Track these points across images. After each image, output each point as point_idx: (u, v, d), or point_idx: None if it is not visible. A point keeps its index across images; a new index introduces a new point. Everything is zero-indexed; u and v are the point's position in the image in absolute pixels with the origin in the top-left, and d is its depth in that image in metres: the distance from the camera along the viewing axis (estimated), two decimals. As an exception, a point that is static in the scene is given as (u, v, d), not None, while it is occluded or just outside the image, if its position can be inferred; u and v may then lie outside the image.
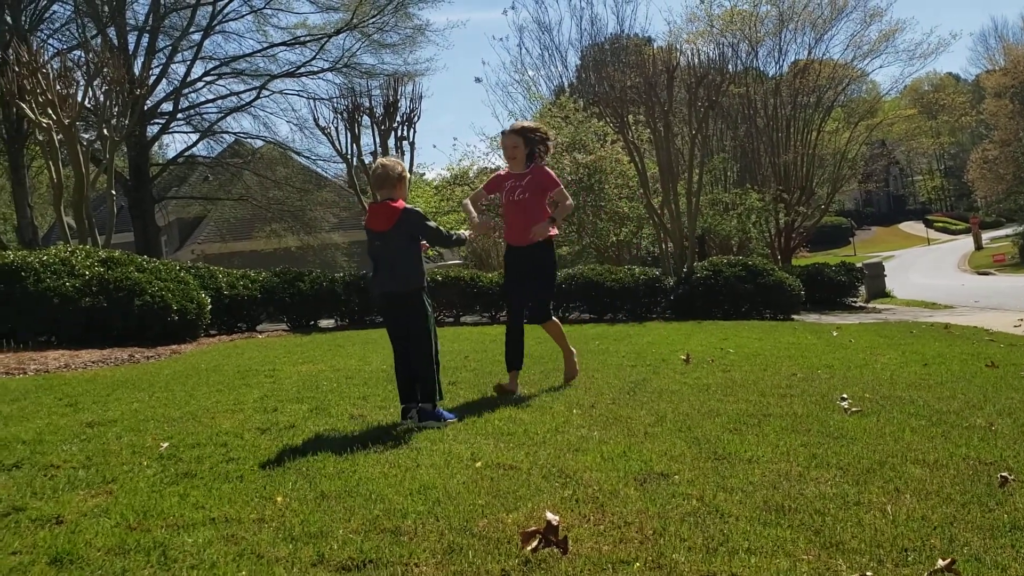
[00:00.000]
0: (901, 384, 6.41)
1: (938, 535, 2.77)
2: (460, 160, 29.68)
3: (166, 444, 4.39)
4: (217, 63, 28.27)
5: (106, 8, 24.82)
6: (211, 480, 3.67)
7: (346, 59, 28.56)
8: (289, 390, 6.44)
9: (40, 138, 15.11)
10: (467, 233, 5.55)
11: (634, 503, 3.18)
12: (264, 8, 28.04)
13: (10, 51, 16.10)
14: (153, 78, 25.13)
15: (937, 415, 4.92)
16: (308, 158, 29.34)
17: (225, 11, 27.46)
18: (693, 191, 19.27)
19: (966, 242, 56.80)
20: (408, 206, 5.00)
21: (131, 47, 25.41)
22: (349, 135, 18.47)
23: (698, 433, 4.41)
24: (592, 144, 25.67)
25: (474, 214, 5.95)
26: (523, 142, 6.01)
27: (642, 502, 3.19)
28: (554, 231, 6.05)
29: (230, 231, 32.75)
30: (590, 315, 16.89)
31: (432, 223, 5.12)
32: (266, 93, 28.22)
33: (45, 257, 11.31)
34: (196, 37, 27.31)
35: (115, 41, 24.30)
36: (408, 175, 5.20)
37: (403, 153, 18.83)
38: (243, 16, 28.25)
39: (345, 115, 18.45)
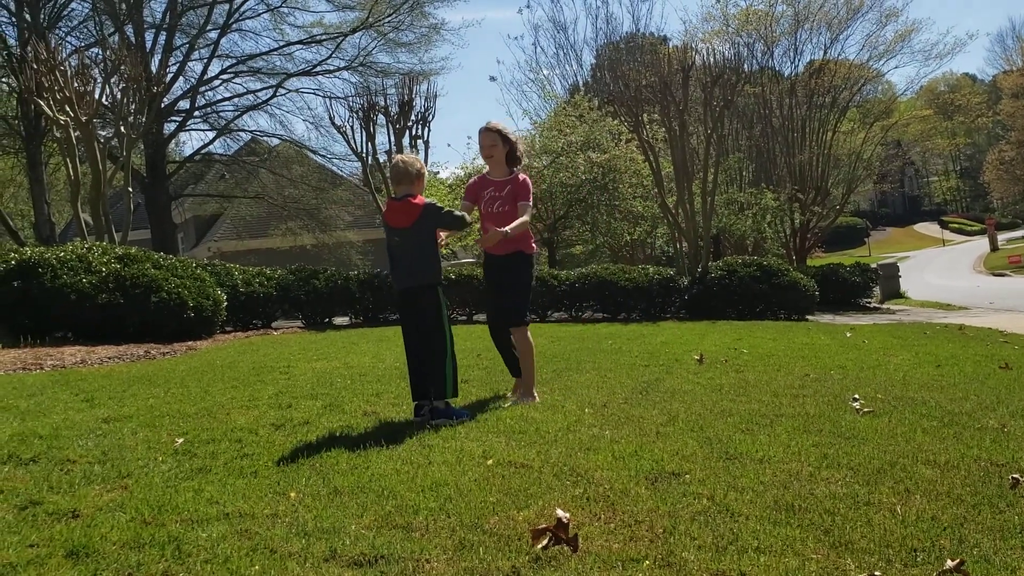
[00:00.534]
0: (914, 385, 6.40)
1: (948, 536, 2.78)
2: (474, 159, 29.64)
3: (181, 440, 4.43)
4: (234, 61, 28.41)
5: (123, 6, 24.96)
6: (225, 475, 3.70)
7: (362, 58, 28.64)
8: (303, 387, 6.48)
9: (58, 135, 15.22)
10: (468, 216, 5.52)
11: (645, 502, 3.20)
12: (280, 6, 28.14)
13: (28, 48, 16.23)
14: (170, 76, 25.26)
15: (949, 416, 4.91)
16: (324, 156, 29.48)
17: (242, 9, 27.59)
18: (708, 191, 19.24)
19: (981, 243, 56.41)
20: (427, 201, 5.05)
21: (148, 45, 25.58)
22: (364, 134, 18.54)
23: (710, 433, 4.42)
24: (607, 143, 25.64)
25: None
26: (501, 141, 5.69)
27: (653, 501, 3.21)
28: (534, 248, 5.84)
29: (246, 229, 32.89)
30: (603, 314, 16.89)
31: (447, 210, 5.21)
32: (282, 91, 28.35)
33: (62, 254, 11.40)
34: (213, 35, 27.46)
35: (132, 39, 24.44)
36: (426, 172, 5.24)
37: (418, 152, 18.89)
38: (260, 14, 28.38)
39: (360, 114, 18.52)
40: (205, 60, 27.48)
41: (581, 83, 41.84)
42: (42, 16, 24.26)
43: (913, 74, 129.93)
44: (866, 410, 5.04)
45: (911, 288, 25.97)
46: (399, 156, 5.34)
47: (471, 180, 6.09)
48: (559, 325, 14.95)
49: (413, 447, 4.16)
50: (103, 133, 18.12)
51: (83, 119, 14.31)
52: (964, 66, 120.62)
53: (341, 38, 28.40)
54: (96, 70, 15.77)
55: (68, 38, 25.37)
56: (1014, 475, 3.39)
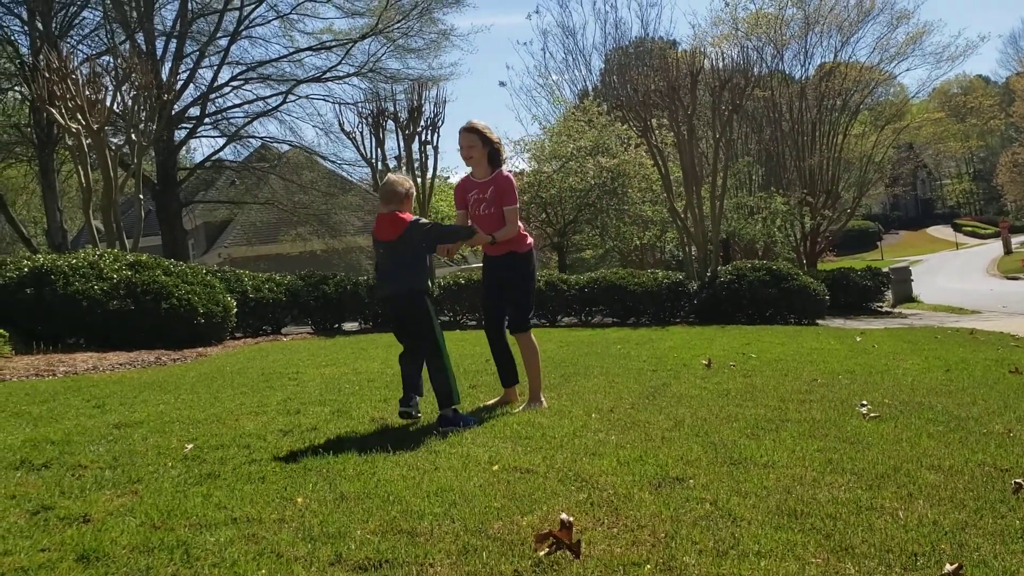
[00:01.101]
0: (922, 390, 6.40)
1: (948, 540, 2.79)
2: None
3: (191, 445, 4.48)
4: (244, 68, 28.55)
5: (135, 14, 25.12)
6: (234, 481, 3.74)
7: (371, 64, 28.74)
8: (312, 393, 6.53)
9: (69, 143, 15.35)
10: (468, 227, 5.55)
11: (648, 507, 3.22)
12: (290, 13, 28.31)
13: (41, 57, 16.36)
14: (180, 83, 25.41)
15: (956, 421, 4.91)
16: (333, 162, 29.58)
17: (252, 16, 27.74)
18: (717, 195, 19.24)
19: (995, 246, 56.09)
20: (414, 218, 5.12)
21: (159, 52, 25.71)
22: (374, 139, 18.68)
23: (715, 438, 4.44)
24: (616, 148, 25.68)
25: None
26: (480, 141, 5.56)
27: (656, 506, 3.23)
28: (529, 241, 5.74)
29: (256, 235, 33.03)
30: (613, 319, 16.90)
31: (433, 224, 5.29)
32: (292, 98, 28.47)
33: (74, 260, 11.49)
34: (223, 42, 27.60)
35: (143, 46, 24.58)
36: (415, 192, 5.30)
37: (427, 157, 18.97)
38: (269, 22, 28.53)
39: (370, 120, 18.65)
40: (215, 67, 27.67)
41: (590, 88, 41.93)
42: (54, 25, 24.43)
43: (925, 77, 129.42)
44: (873, 415, 5.05)
45: (923, 292, 25.85)
46: (389, 176, 5.40)
47: (456, 185, 5.97)
48: (569, 330, 14.97)
49: (420, 453, 4.20)
50: (114, 140, 18.22)
51: (95, 127, 14.43)
52: (977, 68, 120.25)
53: (351, 44, 28.53)
54: (107, 78, 15.91)
55: (80, 46, 25.59)
56: (1017, 480, 3.40)
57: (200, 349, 11.37)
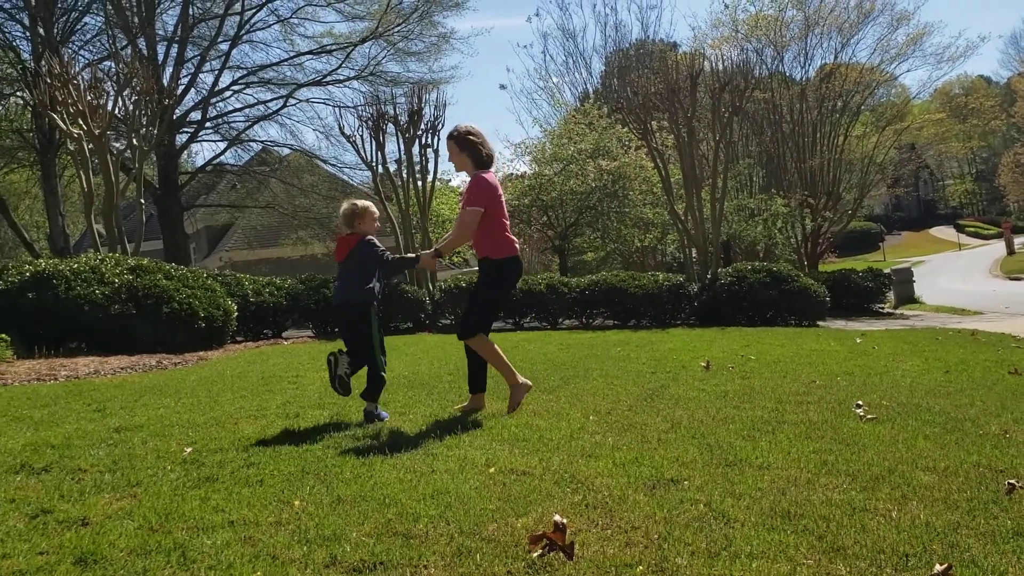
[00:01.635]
0: (920, 391, 6.41)
1: (940, 541, 2.81)
2: (485, 167, 29.76)
3: (190, 449, 4.50)
4: (244, 72, 28.60)
5: (136, 19, 25.18)
6: (232, 484, 3.77)
7: (371, 67, 28.78)
8: (311, 396, 6.55)
9: (71, 148, 15.39)
10: (411, 255, 5.71)
11: (642, 508, 3.24)
12: (290, 18, 28.36)
13: (42, 63, 16.42)
14: (182, 88, 25.46)
15: (953, 422, 4.93)
16: (334, 166, 29.61)
17: (252, 21, 27.80)
18: (717, 197, 19.26)
19: (998, 247, 56.03)
20: (366, 238, 5.48)
21: (160, 57, 25.78)
22: (374, 143, 18.68)
23: (711, 440, 4.46)
24: (616, 150, 25.70)
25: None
26: (456, 147, 5.55)
27: (650, 507, 3.25)
28: (508, 249, 5.53)
29: (257, 238, 33.08)
30: (614, 321, 16.93)
31: (380, 254, 5.53)
32: (293, 101, 28.50)
33: (76, 265, 11.53)
34: (224, 47, 27.66)
35: (145, 52, 24.65)
36: (372, 209, 5.60)
37: (427, 160, 18.99)
38: (270, 26, 28.59)
39: (370, 123, 18.65)
40: (216, 72, 27.72)
41: (591, 91, 41.96)
42: (56, 30, 24.51)
43: (926, 77, 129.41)
44: (869, 417, 5.06)
45: (926, 293, 25.85)
46: (345, 202, 5.66)
47: None
48: (569, 332, 14.99)
49: (417, 455, 4.22)
50: (116, 145, 18.30)
51: (96, 132, 14.47)
52: (979, 68, 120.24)
53: (351, 48, 28.57)
54: (109, 83, 15.96)
55: (81, 52, 25.68)
56: (1010, 481, 3.42)
57: (201, 353, 11.39)
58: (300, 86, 28.58)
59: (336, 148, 35.70)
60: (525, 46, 72.56)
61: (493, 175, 5.64)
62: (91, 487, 3.79)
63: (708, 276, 17.79)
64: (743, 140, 32.31)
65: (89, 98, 14.66)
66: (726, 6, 34.91)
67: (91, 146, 14.74)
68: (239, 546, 2.94)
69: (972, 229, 76.85)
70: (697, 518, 3.11)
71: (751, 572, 2.59)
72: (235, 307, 13.08)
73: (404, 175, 18.87)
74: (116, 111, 15.75)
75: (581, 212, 25.47)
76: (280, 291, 15.20)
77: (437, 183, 20.68)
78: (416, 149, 18.68)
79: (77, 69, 16.02)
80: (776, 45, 33.34)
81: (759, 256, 29.03)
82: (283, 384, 7.50)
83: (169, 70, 25.43)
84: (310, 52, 28.91)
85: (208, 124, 28.26)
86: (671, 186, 20.07)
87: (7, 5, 25.04)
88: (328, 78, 28.76)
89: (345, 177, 30.16)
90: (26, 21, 24.81)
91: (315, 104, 30.01)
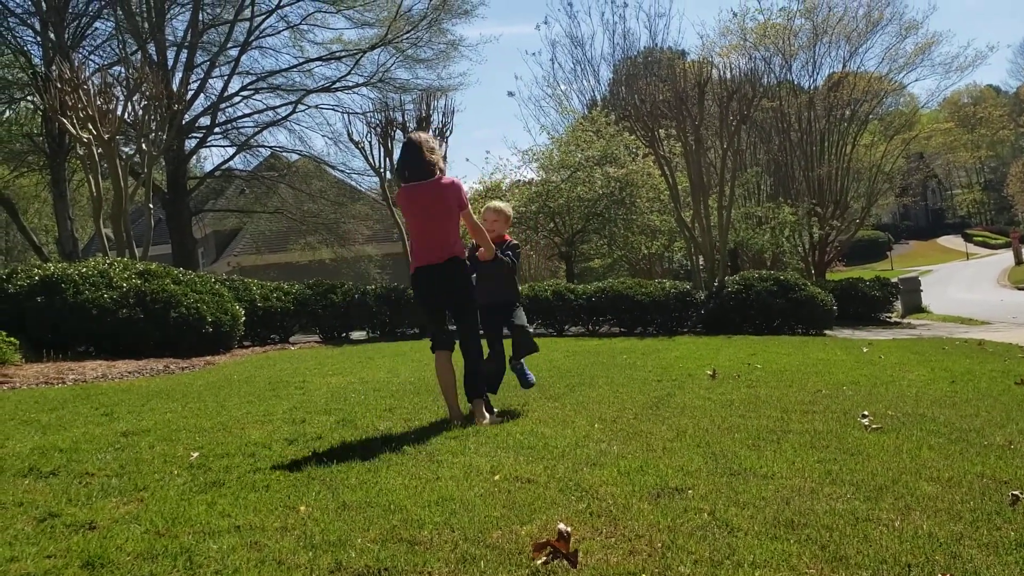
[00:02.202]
0: (925, 401, 6.41)
1: (943, 551, 2.81)
2: (492, 173, 29.90)
3: (196, 454, 4.53)
4: (254, 78, 28.70)
5: (146, 25, 25.32)
6: (238, 489, 3.79)
7: (380, 74, 28.87)
8: (318, 402, 6.57)
9: (81, 152, 15.48)
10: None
11: (646, 517, 3.25)
12: (300, 24, 28.46)
13: (53, 67, 16.51)
14: (191, 93, 25.60)
15: (957, 433, 4.93)
16: (342, 171, 29.66)
17: (262, 27, 27.90)
18: (725, 205, 19.25)
19: (1006, 256, 55.92)
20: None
21: (170, 63, 25.89)
22: (382, 149, 18.72)
23: (716, 449, 4.46)
24: (624, 158, 25.71)
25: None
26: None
27: (654, 516, 3.26)
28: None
29: (265, 243, 33.17)
30: (620, 329, 16.92)
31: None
32: (302, 107, 28.61)
33: (84, 269, 11.59)
34: (233, 52, 27.76)
35: (154, 57, 24.78)
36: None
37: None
38: (280, 32, 28.67)
39: (379, 129, 18.70)
40: (226, 77, 27.81)
41: (598, 98, 41.95)
42: (66, 35, 24.63)
43: (934, 86, 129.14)
44: (874, 426, 5.06)
45: (933, 302, 25.80)
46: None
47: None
48: (576, 339, 15.00)
49: (422, 462, 4.23)
50: (125, 150, 18.38)
51: (106, 136, 14.55)
52: (988, 77, 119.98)
53: (360, 55, 28.66)
54: (118, 88, 16.06)
55: (91, 57, 25.83)
56: (1015, 492, 3.42)
57: (208, 358, 11.44)
58: (309, 92, 28.69)
59: (345, 154, 35.79)
60: (533, 53, 73.06)
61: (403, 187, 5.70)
62: (98, 491, 3.81)
63: (715, 284, 17.79)
64: (751, 148, 32.27)
65: (99, 103, 14.74)
66: (735, 15, 34.99)
67: (100, 151, 14.82)
68: (245, 551, 2.96)
69: (980, 239, 76.66)
70: (701, 527, 3.12)
71: (754, 581, 2.60)
72: (243, 312, 13.13)
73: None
74: (126, 116, 15.82)
75: (588, 219, 25.47)
76: (288, 296, 15.24)
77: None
78: (443, 148, 18.73)
79: (87, 74, 16.11)
80: (784, 54, 33.35)
81: (766, 264, 29.01)
82: (290, 389, 7.53)
83: (179, 75, 25.57)
84: (319, 58, 29.03)
85: (217, 129, 28.38)
86: (678, 194, 20.06)
87: (19, 10, 25.22)
88: (337, 84, 28.87)
89: (353, 183, 30.28)
90: (37, 26, 24.97)
91: (324, 110, 30.23)
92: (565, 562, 2.73)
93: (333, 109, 30.37)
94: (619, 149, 25.99)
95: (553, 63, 73.43)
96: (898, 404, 6.18)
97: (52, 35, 24.23)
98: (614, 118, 27.40)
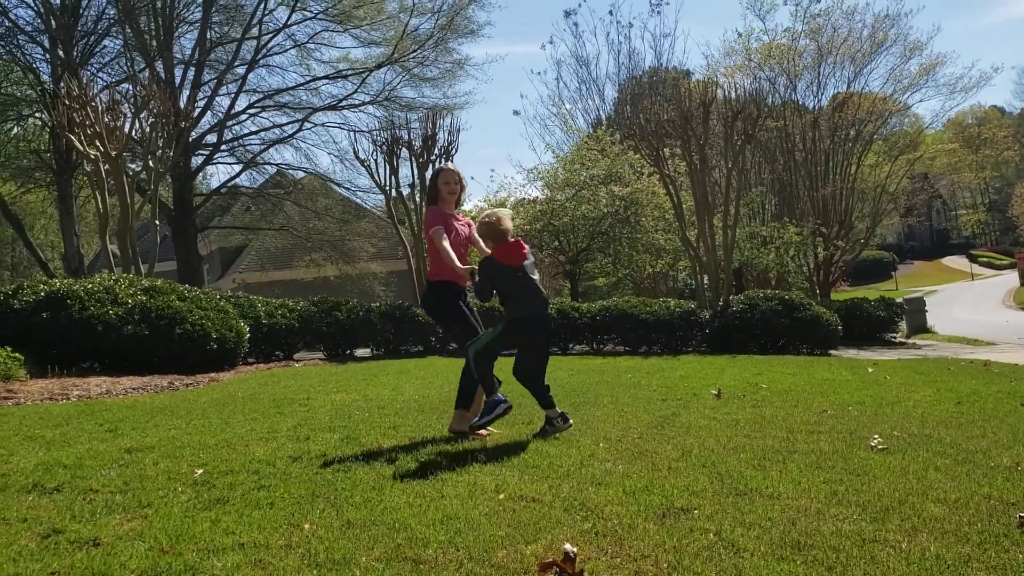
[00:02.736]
0: (931, 422, 6.38)
1: (950, 573, 2.80)
2: (497, 191, 29.95)
3: (200, 471, 4.52)
4: (261, 96, 28.83)
5: (154, 43, 25.47)
6: (242, 506, 3.78)
7: (387, 92, 28.98)
8: (322, 419, 6.56)
9: (88, 169, 15.55)
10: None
11: (652, 537, 3.24)
12: (307, 43, 28.60)
13: (61, 84, 16.61)
14: (198, 111, 25.71)
15: (964, 454, 4.90)
16: (348, 189, 29.72)
17: (269, 45, 28.05)
18: (729, 224, 19.27)
19: (1011, 277, 55.84)
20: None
21: (177, 80, 26.04)
22: (388, 167, 18.80)
23: (722, 469, 4.45)
24: (628, 176, 25.77)
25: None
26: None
27: (660, 536, 3.24)
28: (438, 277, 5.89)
29: (271, 260, 33.21)
30: (625, 347, 16.89)
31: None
32: (308, 125, 28.68)
33: (90, 285, 11.61)
34: (241, 71, 27.90)
35: (162, 74, 24.92)
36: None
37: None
38: (287, 50, 28.83)
39: (384, 147, 18.79)
40: (233, 95, 27.96)
41: (604, 117, 42.10)
42: (75, 53, 24.77)
43: (938, 107, 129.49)
44: (880, 447, 5.05)
45: (938, 323, 25.73)
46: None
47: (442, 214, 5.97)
48: (580, 358, 14.97)
49: (426, 480, 4.22)
50: (132, 167, 18.46)
51: (113, 153, 14.62)
52: (992, 98, 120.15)
53: (366, 73, 28.78)
54: (126, 105, 16.15)
55: (100, 74, 25.91)
56: (1022, 514, 3.40)
57: (213, 374, 11.43)
58: (316, 110, 28.80)
59: (350, 172, 35.98)
60: (539, 73, 72.93)
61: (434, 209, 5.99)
62: (102, 507, 3.81)
63: (720, 303, 17.77)
64: (755, 168, 32.32)
65: (106, 120, 14.82)
66: (739, 35, 35.13)
67: (107, 167, 14.88)
68: (249, 569, 2.95)
69: (985, 259, 76.57)
70: (707, 547, 3.10)
71: (760, 603, 2.58)
72: (247, 329, 13.13)
73: (417, 199, 18.97)
74: (133, 133, 15.90)
75: (593, 237, 25.50)
76: (292, 313, 15.25)
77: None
78: (429, 174, 18.80)
79: (95, 91, 16.18)
80: (789, 74, 33.43)
81: (771, 284, 28.97)
82: (294, 407, 7.52)
83: (186, 93, 25.69)
84: (326, 77, 29.16)
85: (224, 147, 28.48)
86: (683, 213, 20.10)
87: (29, 27, 25.40)
88: (343, 103, 28.98)
89: (359, 200, 30.35)
90: (46, 43, 25.13)
91: (330, 128, 30.22)
92: (570, 582, 2.72)
93: (339, 127, 30.46)
94: (624, 168, 26.07)
95: (558, 82, 73.57)
96: (904, 425, 6.16)
97: (61, 52, 24.38)
98: (619, 137, 27.49)
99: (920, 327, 24.55)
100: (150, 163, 16.18)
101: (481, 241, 5.78)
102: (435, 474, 4.37)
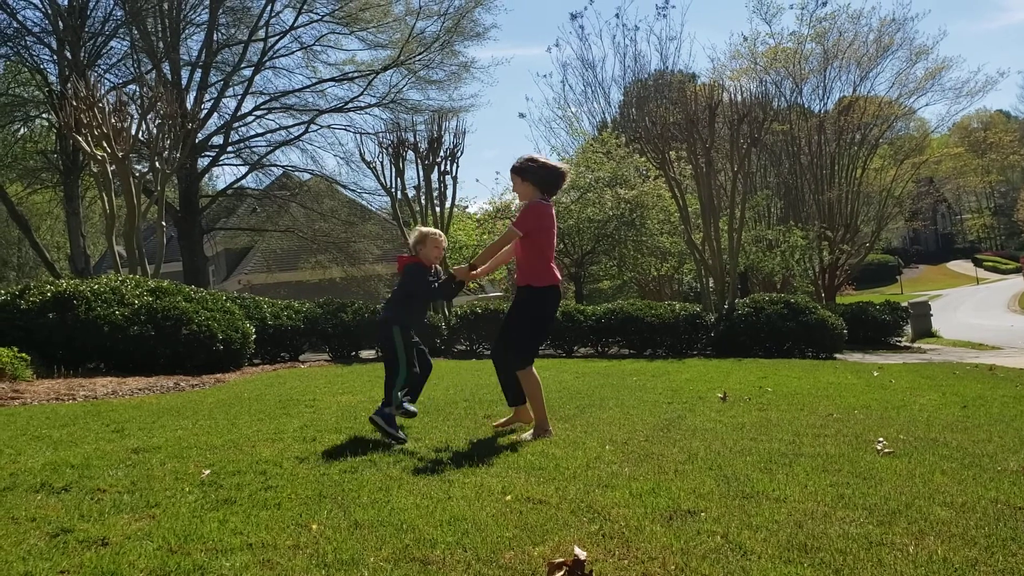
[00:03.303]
0: (937, 426, 6.38)
1: (958, 577, 2.80)
2: (502, 194, 29.97)
3: (208, 471, 4.53)
4: (267, 98, 28.95)
5: (161, 44, 25.56)
6: (250, 507, 3.79)
7: (393, 95, 29.07)
8: (328, 420, 6.57)
9: (94, 170, 15.59)
10: (451, 276, 5.83)
11: (659, 539, 3.24)
12: (314, 45, 28.71)
13: (68, 86, 16.66)
14: (204, 112, 25.79)
15: (970, 458, 4.90)
16: (354, 191, 29.83)
17: (276, 47, 28.17)
18: (735, 227, 19.26)
19: (1016, 282, 55.77)
20: (413, 264, 5.73)
21: (184, 82, 26.13)
22: (394, 169, 18.82)
23: (728, 471, 4.45)
24: (634, 179, 25.78)
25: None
26: (519, 178, 5.75)
27: (667, 538, 3.25)
28: (550, 279, 5.70)
29: (276, 262, 33.27)
30: (629, 350, 16.89)
31: (421, 278, 5.73)
32: (314, 127, 28.80)
33: (96, 286, 11.64)
34: (247, 73, 28.03)
35: (169, 76, 25.01)
36: (434, 239, 5.77)
37: (446, 187, 19.14)
38: (293, 53, 28.95)
39: (390, 149, 18.81)
40: (239, 97, 28.06)
41: (609, 120, 42.12)
42: (82, 54, 24.88)
43: (944, 111, 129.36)
44: (887, 451, 5.04)
45: (943, 327, 25.70)
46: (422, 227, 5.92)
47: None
48: (585, 361, 14.97)
49: (433, 481, 4.23)
50: (138, 168, 18.49)
51: (119, 154, 14.66)
52: (998, 103, 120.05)
53: (373, 76, 28.87)
54: (133, 107, 16.18)
55: (107, 75, 26.04)
56: (1029, 518, 3.40)
57: (219, 375, 11.45)
58: (322, 112, 28.89)
59: (356, 174, 36.08)
60: (544, 75, 73.32)
61: (546, 205, 5.75)
62: (110, 507, 3.82)
63: (725, 306, 17.76)
64: (761, 171, 32.34)
65: (113, 121, 14.86)
66: (745, 39, 35.13)
67: (114, 168, 14.92)
68: (257, 569, 2.96)
69: (990, 263, 76.48)
70: (714, 550, 3.11)
71: (768, 605, 2.59)
72: (253, 330, 13.15)
73: (423, 201, 18.99)
74: (139, 134, 15.94)
75: (598, 240, 25.51)
76: (298, 315, 15.27)
77: (455, 209, 20.77)
78: (435, 176, 18.83)
79: (102, 92, 16.24)
80: (795, 77, 33.45)
81: (776, 287, 28.97)
82: (300, 407, 7.53)
83: (192, 94, 25.78)
84: (332, 79, 29.25)
85: (230, 148, 28.58)
86: (689, 216, 20.08)
87: (36, 29, 25.50)
88: (350, 105, 29.07)
89: (364, 202, 30.42)
90: (54, 45, 25.23)
91: (336, 130, 30.39)
92: (578, 583, 2.73)
93: (345, 129, 30.57)
94: (629, 171, 26.08)
95: (564, 85, 73.79)
96: (910, 428, 6.15)
97: (68, 54, 24.48)
98: (624, 140, 27.50)
99: (925, 331, 24.53)
100: (156, 164, 16.21)
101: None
102: (441, 475, 4.37)
